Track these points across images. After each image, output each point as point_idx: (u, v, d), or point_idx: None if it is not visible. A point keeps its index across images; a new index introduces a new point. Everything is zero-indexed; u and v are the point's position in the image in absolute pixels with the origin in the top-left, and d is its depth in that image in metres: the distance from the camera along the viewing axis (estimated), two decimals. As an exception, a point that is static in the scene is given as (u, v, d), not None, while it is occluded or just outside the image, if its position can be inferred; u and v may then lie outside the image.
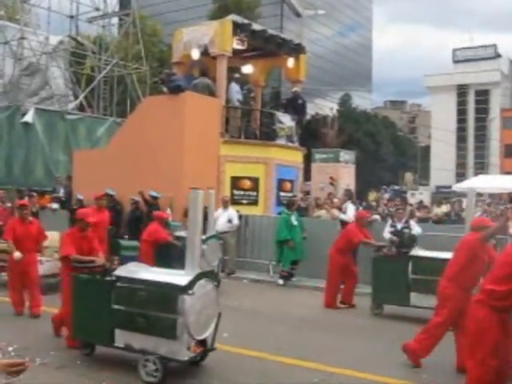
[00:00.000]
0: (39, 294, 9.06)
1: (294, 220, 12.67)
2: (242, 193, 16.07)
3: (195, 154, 14.82)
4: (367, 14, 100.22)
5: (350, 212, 12.80)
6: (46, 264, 10.65)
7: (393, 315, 9.78)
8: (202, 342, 6.45)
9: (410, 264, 9.53)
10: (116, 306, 6.47)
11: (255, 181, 16.27)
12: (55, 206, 16.83)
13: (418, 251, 9.78)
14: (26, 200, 15.93)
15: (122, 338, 6.45)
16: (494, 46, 74.35)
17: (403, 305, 9.64)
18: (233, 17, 16.76)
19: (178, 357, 6.11)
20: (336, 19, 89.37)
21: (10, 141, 21.52)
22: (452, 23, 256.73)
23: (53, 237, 11.42)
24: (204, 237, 10.21)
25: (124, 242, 6.76)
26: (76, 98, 25.39)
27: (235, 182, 16.00)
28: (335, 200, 15.21)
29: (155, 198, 14.09)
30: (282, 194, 16.83)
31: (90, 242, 7.78)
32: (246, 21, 17.10)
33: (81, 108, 25.21)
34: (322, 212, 14.88)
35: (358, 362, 7.10)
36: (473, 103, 71.34)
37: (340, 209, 13.65)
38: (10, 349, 7.06)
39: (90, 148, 21.34)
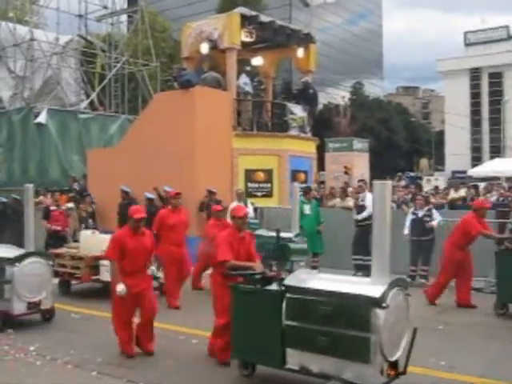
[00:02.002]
0: (152, 326, 7.14)
1: (307, 209, 12.59)
2: (256, 185, 16.06)
3: (207, 148, 14.83)
4: (376, 0, 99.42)
5: (369, 201, 12.53)
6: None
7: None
8: (394, 364, 5.34)
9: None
10: (288, 322, 5.48)
11: (269, 173, 16.25)
12: (70, 205, 16.93)
13: None
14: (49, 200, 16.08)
15: (295, 359, 5.48)
16: (506, 27, 73.41)
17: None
18: (240, 9, 16.69)
19: (369, 382, 5.07)
20: (345, 7, 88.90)
21: (25, 142, 21.72)
22: (462, 6, 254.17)
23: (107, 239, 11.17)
24: (292, 235, 9.75)
25: (294, 246, 6.24)
26: (87, 96, 25.50)
27: (249, 174, 15.98)
28: (349, 189, 15.13)
29: (169, 192, 14.12)
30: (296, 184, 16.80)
31: (247, 245, 6.71)
32: (253, 13, 17.01)
33: (93, 107, 25.33)
34: (337, 201, 14.81)
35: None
36: (486, 86, 70.57)
37: (357, 198, 13.49)
38: (32, 348, 7.15)
39: (103, 146, 21.45)
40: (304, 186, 15.04)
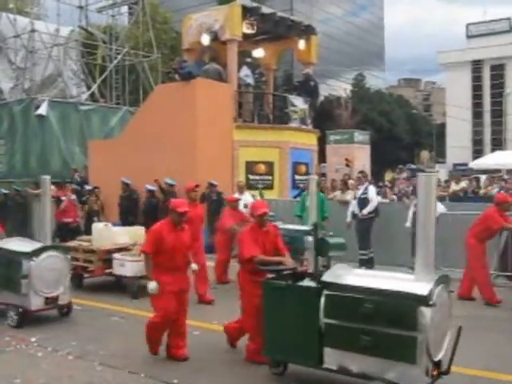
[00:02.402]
0: (186, 330, 6.72)
1: (308, 201, 12.56)
2: (257, 177, 16.06)
3: (208, 139, 14.83)
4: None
5: (372, 194, 12.51)
6: (134, 265, 9.71)
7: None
8: (437, 364, 5.12)
9: None
10: (327, 320, 5.24)
11: (270, 165, 16.26)
12: (73, 197, 16.93)
13: None
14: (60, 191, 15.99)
15: (333, 358, 5.25)
16: (509, 19, 73.08)
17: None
18: (241, 0, 16.65)
19: (414, 383, 4.87)
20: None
21: (26, 134, 21.68)
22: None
23: (137, 232, 10.73)
24: (308, 227, 9.32)
25: (332, 240, 5.54)
26: (88, 88, 25.46)
27: (250, 166, 15.99)
28: (350, 181, 15.12)
29: (171, 185, 14.15)
30: (297, 177, 16.81)
31: (273, 238, 6.45)
32: (254, 4, 16.99)
33: (94, 98, 25.29)
34: (337, 193, 14.81)
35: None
36: (488, 78, 70.32)
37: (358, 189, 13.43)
38: (33, 339, 7.17)
39: (104, 138, 21.44)
40: (306, 178, 15.03)
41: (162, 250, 6.32)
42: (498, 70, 69.56)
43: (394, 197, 17.05)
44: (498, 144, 61.61)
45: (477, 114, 69.95)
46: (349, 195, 13.60)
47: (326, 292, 5.29)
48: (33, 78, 23.22)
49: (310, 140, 17.72)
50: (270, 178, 16.25)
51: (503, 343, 7.22)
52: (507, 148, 55.32)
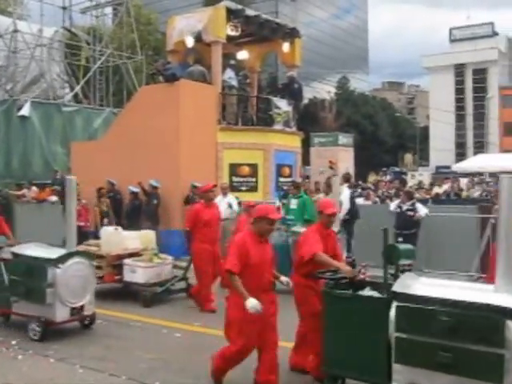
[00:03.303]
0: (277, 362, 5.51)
1: (294, 203, 12.57)
2: (240, 179, 16.06)
3: (192, 141, 14.81)
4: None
5: (345, 196, 12.64)
6: (146, 271, 9.27)
7: None
8: None
9: None
10: (397, 334, 4.74)
11: (254, 167, 16.26)
12: (54, 198, 16.84)
13: None
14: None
15: (404, 375, 4.75)
16: (491, 24, 74.01)
17: None
18: (226, 3, 16.64)
19: None
20: (331, 2, 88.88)
21: (8, 134, 21.52)
22: (448, 2, 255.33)
23: (147, 236, 10.26)
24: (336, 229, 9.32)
25: (403, 247, 5.20)
26: (72, 89, 25.33)
27: (234, 168, 15.99)
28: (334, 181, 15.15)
29: (155, 187, 14.11)
30: (281, 179, 16.83)
31: (333, 243, 5.98)
32: (239, 6, 16.98)
33: (77, 99, 25.16)
34: (321, 195, 14.84)
35: None
36: (471, 82, 71.10)
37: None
38: (14, 342, 7.10)
39: (87, 139, 21.33)
40: (291, 180, 15.07)
41: (247, 266, 5.24)
42: (480, 74, 70.33)
43: (377, 199, 17.16)
44: (480, 147, 62.29)
45: (460, 117, 70.66)
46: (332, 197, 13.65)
47: (397, 303, 4.79)
48: (15, 79, 23.04)
49: (293, 142, 17.75)
50: (253, 180, 16.26)
51: None
52: (489, 151, 55.92)
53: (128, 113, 16.39)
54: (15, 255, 7.81)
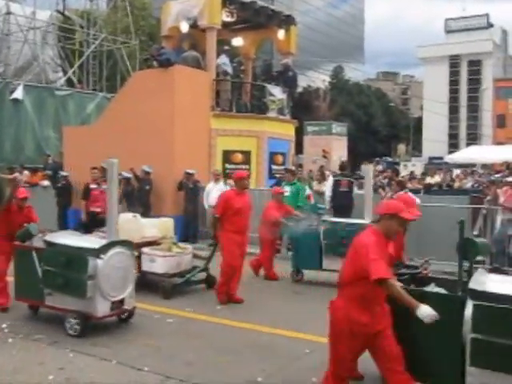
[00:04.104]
0: None
1: (286, 190, 12.55)
2: (233, 166, 16.01)
3: (186, 127, 14.75)
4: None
5: (328, 184, 12.74)
6: (165, 260, 8.87)
7: None
8: None
9: None
10: (474, 335, 4.43)
11: (247, 154, 16.22)
12: (46, 183, 16.78)
13: None
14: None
15: (479, 379, 4.47)
16: (487, 15, 73.95)
17: None
18: (222, -12, 16.53)
19: None
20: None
21: (0, 118, 21.37)
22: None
23: (165, 224, 9.70)
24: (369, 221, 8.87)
25: (481, 242, 4.99)
26: (65, 73, 25.16)
27: (227, 155, 15.95)
28: (327, 172, 15.21)
29: (147, 172, 14.07)
30: (274, 167, 16.82)
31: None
32: (235, -8, 16.87)
33: (70, 84, 25.00)
34: (315, 183, 14.89)
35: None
36: (465, 74, 71.15)
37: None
38: (4, 325, 7.08)
39: (80, 124, 21.22)
40: (285, 167, 15.07)
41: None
42: (475, 66, 70.38)
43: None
44: (473, 139, 62.45)
45: (453, 109, 70.76)
46: (325, 186, 13.71)
47: (474, 302, 4.47)
48: (8, 62, 22.86)
49: (287, 130, 17.72)
50: (246, 167, 16.22)
51: None
52: (482, 143, 56.06)
53: (121, 98, 16.28)
54: (49, 244, 7.22)
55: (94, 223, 12.26)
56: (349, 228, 8.91)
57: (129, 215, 9.65)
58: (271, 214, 10.00)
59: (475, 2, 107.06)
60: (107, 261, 6.73)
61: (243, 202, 8.48)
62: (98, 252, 6.72)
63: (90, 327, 6.84)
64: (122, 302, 6.98)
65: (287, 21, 18.11)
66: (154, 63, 15.75)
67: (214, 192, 13.39)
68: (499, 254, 10.61)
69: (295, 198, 12.48)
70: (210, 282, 9.19)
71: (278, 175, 15.96)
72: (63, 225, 15.63)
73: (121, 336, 6.83)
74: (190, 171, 13.92)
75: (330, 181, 12.94)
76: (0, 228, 7.91)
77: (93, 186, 13.37)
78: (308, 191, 12.94)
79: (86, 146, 15.81)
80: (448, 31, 74.76)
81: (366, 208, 9.43)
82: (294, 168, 14.15)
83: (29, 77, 23.29)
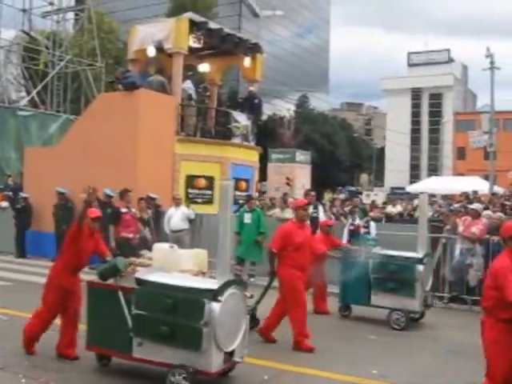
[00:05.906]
0: None
1: (247, 218, 12.64)
2: (197, 191, 16.00)
3: (149, 151, 14.69)
4: (324, 15, 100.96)
5: (322, 213, 12.76)
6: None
7: None
8: None
9: None
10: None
11: (210, 180, 16.22)
12: (5, 204, 16.46)
13: None
14: None
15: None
16: (448, 50, 76.20)
17: None
18: (189, 14, 16.66)
19: None
20: (293, 20, 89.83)
21: (-40, 137, 20.98)
22: (407, 26, 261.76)
23: (199, 256, 7.93)
24: (421, 255, 8.70)
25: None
26: (28, 93, 24.86)
27: (190, 180, 15.92)
28: (290, 200, 15.24)
29: (109, 196, 13.86)
30: (237, 193, 16.81)
31: None
32: (202, 19, 17.02)
33: (33, 104, 24.70)
34: (276, 210, 14.89)
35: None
36: (427, 106, 72.93)
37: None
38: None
39: (42, 145, 20.93)
40: (246, 194, 15.09)
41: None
42: (436, 99, 72.16)
43: (332, 216, 17.28)
44: (433, 170, 63.62)
45: (415, 140, 72.23)
46: (287, 213, 13.70)
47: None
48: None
49: (251, 157, 17.79)
50: (210, 192, 16.21)
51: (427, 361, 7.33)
52: (443, 174, 57.17)
53: (85, 119, 16.16)
54: (141, 282, 5.98)
55: (125, 250, 11.23)
56: (403, 262, 8.34)
57: (165, 245, 8.36)
58: (318, 247, 9.01)
59: (437, 37, 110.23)
60: (224, 305, 5.63)
61: (304, 236, 7.63)
62: (215, 294, 5.61)
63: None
64: (232, 353, 5.84)
65: (254, 48, 18.31)
66: (120, 86, 15.71)
67: (176, 216, 13.32)
68: (458, 283, 10.77)
69: (256, 224, 12.55)
70: (253, 323, 7.85)
71: (240, 201, 15.96)
72: (21, 247, 15.34)
73: (76, 361, 6.64)
74: (153, 195, 13.80)
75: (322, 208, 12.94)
76: (69, 259, 6.71)
77: (123, 209, 12.37)
78: (358, 221, 12.24)
79: (48, 168, 15.60)
80: (410, 64, 76.70)
81: (419, 240, 8.98)
82: (256, 195, 14.21)
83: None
